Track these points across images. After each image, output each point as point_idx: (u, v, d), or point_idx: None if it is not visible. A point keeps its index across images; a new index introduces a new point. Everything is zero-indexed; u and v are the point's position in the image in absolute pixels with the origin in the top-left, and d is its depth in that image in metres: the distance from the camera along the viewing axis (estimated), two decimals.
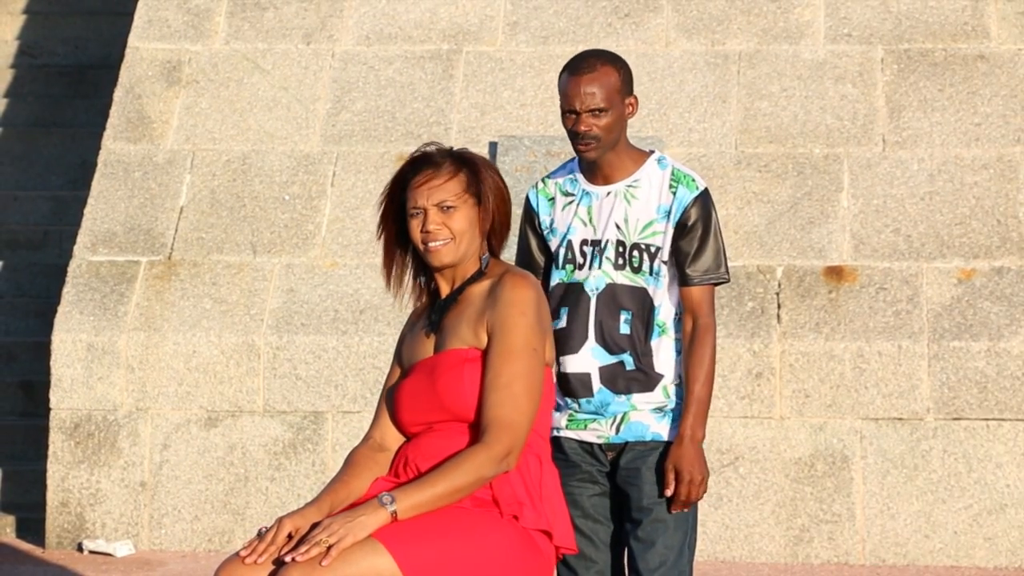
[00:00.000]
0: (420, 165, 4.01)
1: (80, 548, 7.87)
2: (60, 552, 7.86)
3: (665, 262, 4.32)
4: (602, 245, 4.31)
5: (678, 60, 8.55)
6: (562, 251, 4.35)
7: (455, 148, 4.08)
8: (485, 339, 3.92)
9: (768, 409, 7.71)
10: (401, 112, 8.53)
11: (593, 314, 4.28)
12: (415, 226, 3.97)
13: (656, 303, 4.31)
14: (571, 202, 4.37)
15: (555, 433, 4.33)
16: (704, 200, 4.32)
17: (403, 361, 4.06)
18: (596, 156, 4.31)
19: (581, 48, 8.63)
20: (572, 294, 4.31)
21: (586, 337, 4.27)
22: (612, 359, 4.26)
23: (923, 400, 7.66)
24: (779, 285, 7.93)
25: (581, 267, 4.33)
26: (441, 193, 3.95)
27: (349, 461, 4.01)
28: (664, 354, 4.31)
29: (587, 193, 4.37)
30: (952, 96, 8.37)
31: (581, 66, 4.27)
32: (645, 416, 4.29)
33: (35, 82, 10.82)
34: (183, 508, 7.86)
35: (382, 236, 4.04)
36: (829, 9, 8.62)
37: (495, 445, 3.82)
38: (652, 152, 4.40)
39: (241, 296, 8.04)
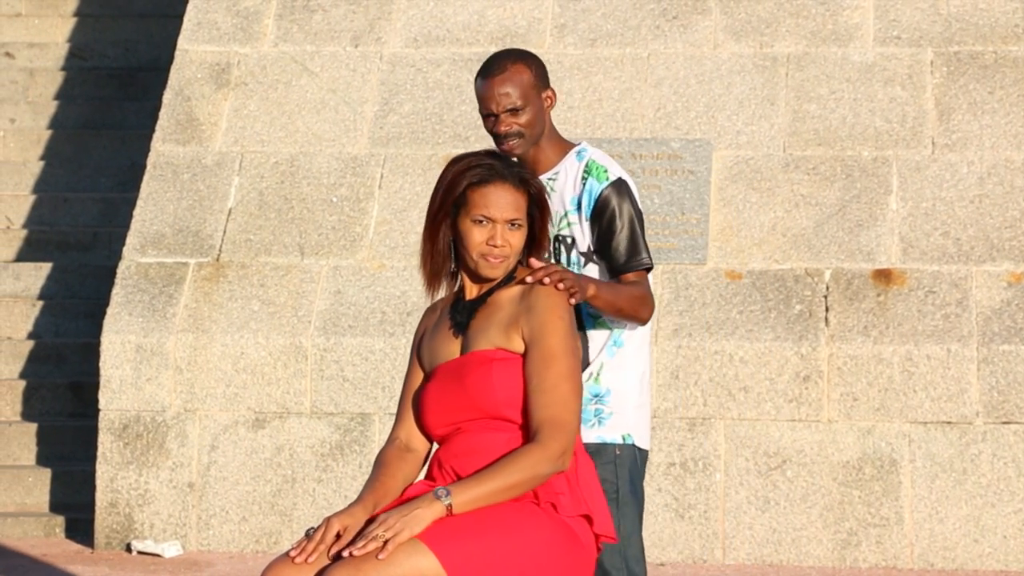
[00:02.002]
0: (489, 176, 4.02)
1: (129, 549, 7.91)
2: (109, 553, 7.90)
3: (584, 254, 4.30)
4: None
5: (726, 63, 8.52)
6: None
7: (510, 160, 4.11)
8: (518, 343, 3.94)
9: (816, 412, 7.69)
10: (449, 114, 8.54)
11: None
12: (480, 234, 3.99)
13: None
14: None
15: None
16: (615, 190, 4.29)
17: (424, 362, 4.08)
18: (521, 152, 4.31)
19: (629, 51, 8.63)
20: None
21: None
22: None
23: (972, 404, 7.62)
24: (827, 288, 7.90)
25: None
26: (513, 211, 3.99)
27: (379, 463, 4.04)
28: (597, 345, 4.29)
29: None
30: (1002, 99, 8.32)
31: (493, 68, 4.28)
32: None
33: (85, 84, 10.89)
34: (231, 509, 7.89)
35: (436, 232, 4.04)
36: (878, 11, 8.58)
37: (550, 444, 3.84)
38: (577, 144, 4.38)
39: (289, 298, 8.07)
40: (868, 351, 7.70)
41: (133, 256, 8.27)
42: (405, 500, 3.95)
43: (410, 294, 7.97)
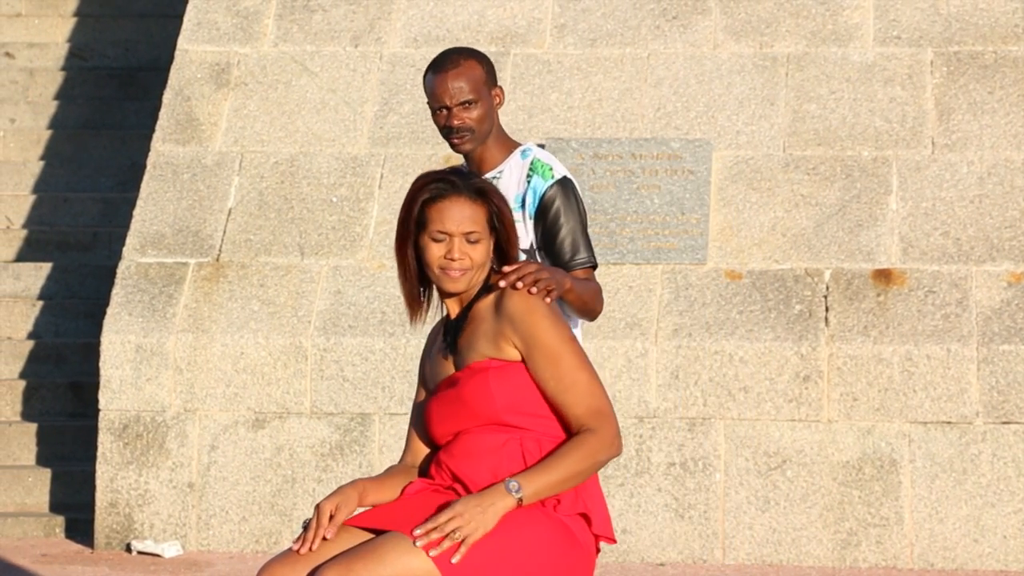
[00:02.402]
0: (446, 189, 4.02)
1: (129, 549, 7.91)
2: (109, 553, 7.90)
3: (527, 251, 4.29)
4: None
5: (726, 62, 8.52)
6: None
7: (469, 173, 4.09)
8: (510, 352, 3.95)
9: (816, 412, 7.69)
10: None
11: None
12: (438, 249, 4.00)
13: None
14: None
15: None
16: (560, 188, 4.30)
17: (428, 383, 4.11)
18: (471, 148, 4.32)
19: (628, 51, 8.62)
20: None
21: None
22: None
23: (972, 404, 7.62)
24: (827, 288, 7.90)
25: None
26: (471, 224, 3.98)
27: (387, 471, 4.08)
28: None
29: None
30: (1002, 99, 8.32)
31: (445, 63, 4.29)
32: None
33: (85, 84, 10.89)
34: (231, 509, 7.89)
35: (404, 254, 4.04)
36: (878, 11, 8.58)
37: (600, 431, 3.88)
38: (523, 144, 4.38)
39: (289, 298, 8.07)
40: (868, 351, 7.70)
41: (133, 256, 8.27)
42: (407, 498, 3.94)
43: None
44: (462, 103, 4.26)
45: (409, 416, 4.19)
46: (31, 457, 8.66)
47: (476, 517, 3.76)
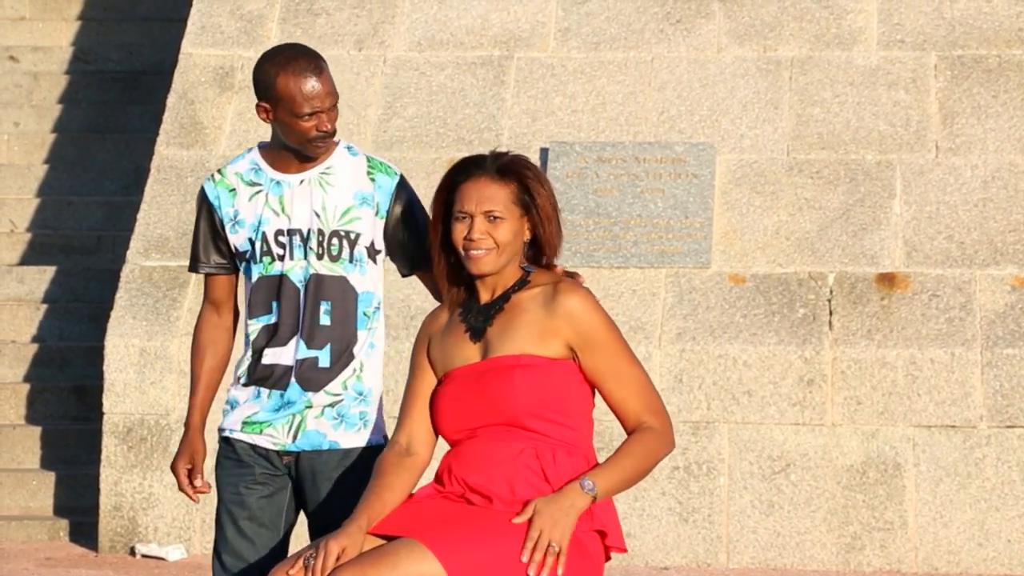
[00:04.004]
0: (471, 169, 3.99)
1: (133, 552, 7.91)
2: (113, 556, 7.90)
3: (369, 248, 4.26)
4: (304, 234, 4.23)
5: (730, 66, 8.53)
6: (257, 244, 4.25)
7: (510, 152, 4.06)
8: (556, 348, 3.91)
9: (820, 416, 7.68)
10: (452, 118, 8.54)
11: (303, 306, 4.21)
12: (459, 230, 3.97)
13: (359, 291, 4.25)
14: (259, 192, 4.27)
15: (228, 434, 4.29)
16: (404, 185, 4.29)
17: (437, 367, 4.02)
18: (326, 148, 4.25)
19: (632, 55, 8.63)
20: (280, 286, 4.23)
21: (296, 329, 4.21)
22: (310, 353, 4.20)
23: (976, 408, 7.62)
24: (831, 292, 7.90)
25: (281, 258, 4.24)
26: (490, 203, 3.94)
27: (377, 471, 3.99)
28: (363, 344, 4.25)
29: (277, 182, 4.27)
30: (1006, 102, 8.32)
31: (316, 65, 4.18)
32: (323, 423, 4.21)
33: (89, 88, 10.90)
34: None
35: (436, 239, 4.03)
36: (882, 15, 8.58)
37: (660, 428, 3.94)
38: (340, 141, 4.32)
39: None
40: (872, 355, 7.70)
41: (137, 259, 8.28)
42: (418, 503, 3.91)
43: (413, 298, 7.97)
44: (332, 107, 4.20)
45: (402, 399, 4.13)
46: (35, 460, 8.67)
47: (560, 521, 3.78)
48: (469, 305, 4.02)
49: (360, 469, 4.23)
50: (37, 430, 8.73)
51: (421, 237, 4.27)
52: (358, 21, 8.85)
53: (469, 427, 3.93)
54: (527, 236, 4.00)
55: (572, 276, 4.08)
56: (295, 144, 4.22)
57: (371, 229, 4.26)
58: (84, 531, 8.17)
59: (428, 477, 4.07)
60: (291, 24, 8.87)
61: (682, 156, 8.24)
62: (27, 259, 9.83)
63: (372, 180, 4.27)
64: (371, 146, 8.51)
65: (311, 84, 4.16)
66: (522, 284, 3.98)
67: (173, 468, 4.31)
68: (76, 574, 7.50)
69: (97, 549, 7.97)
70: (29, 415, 8.91)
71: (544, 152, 8.36)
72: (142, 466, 7.94)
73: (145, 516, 7.92)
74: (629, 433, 3.95)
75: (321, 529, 4.20)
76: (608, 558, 4.00)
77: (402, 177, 4.32)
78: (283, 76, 4.17)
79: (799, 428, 7.69)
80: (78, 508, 8.33)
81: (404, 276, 4.41)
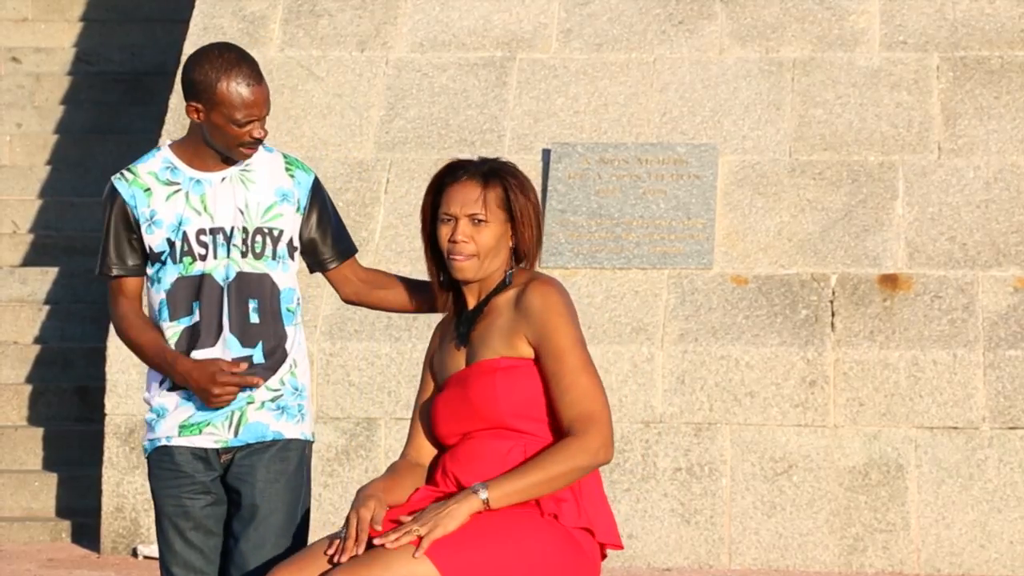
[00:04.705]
0: (458, 172, 4.00)
1: (135, 553, 7.91)
2: (115, 557, 7.91)
3: (288, 245, 4.24)
4: (228, 232, 4.19)
5: (732, 67, 8.52)
6: (177, 244, 4.18)
7: (498, 159, 4.06)
8: (524, 349, 3.91)
9: (822, 417, 7.68)
10: (455, 119, 8.55)
11: (227, 305, 4.17)
12: (444, 232, 3.98)
13: (281, 288, 4.22)
14: (176, 191, 4.21)
15: (164, 442, 4.20)
16: (321, 184, 4.31)
17: (436, 375, 4.06)
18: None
19: (634, 56, 8.63)
20: (200, 286, 4.18)
21: (220, 329, 4.17)
22: (244, 351, 4.16)
23: (979, 409, 7.62)
24: (833, 293, 7.90)
25: (203, 258, 4.18)
26: (474, 205, 3.94)
27: (392, 469, 4.03)
28: (293, 340, 4.23)
29: (197, 180, 4.22)
30: (1008, 104, 8.32)
31: (257, 73, 4.17)
32: (264, 415, 4.19)
33: (91, 89, 10.90)
34: None
35: (427, 243, 4.05)
36: (884, 16, 8.58)
37: (586, 436, 3.83)
38: None
39: None
40: (874, 356, 7.70)
41: None
42: (414, 505, 3.94)
43: None
44: (266, 115, 4.21)
45: (412, 409, 4.14)
46: (37, 462, 8.67)
47: (436, 517, 3.74)
48: (460, 312, 4.05)
49: (296, 462, 4.22)
50: (39, 431, 8.73)
51: (334, 235, 4.29)
52: (360, 22, 8.85)
53: (461, 432, 3.97)
54: (512, 242, 4.00)
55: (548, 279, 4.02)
56: (222, 147, 4.18)
57: (292, 225, 4.25)
58: (86, 532, 8.17)
59: None
60: (293, 25, 8.87)
61: (684, 157, 8.24)
62: (29, 260, 9.84)
63: (292, 176, 4.27)
64: (373, 147, 8.52)
65: (251, 92, 4.14)
66: (502, 287, 3.99)
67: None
68: (78, 575, 7.50)
69: (99, 550, 7.97)
70: (31, 416, 8.92)
71: (546, 153, 8.36)
72: (144, 467, 7.95)
73: (147, 517, 7.92)
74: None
75: (248, 520, 4.15)
76: (604, 555, 3.99)
77: (315, 175, 4.33)
78: (224, 81, 4.14)
79: (801, 429, 7.69)
80: (80, 509, 8.33)
81: (312, 273, 4.39)
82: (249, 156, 4.21)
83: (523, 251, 3.99)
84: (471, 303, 4.02)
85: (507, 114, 8.54)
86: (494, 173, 3.98)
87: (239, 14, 8.94)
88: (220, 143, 4.18)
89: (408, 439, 4.07)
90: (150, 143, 10.11)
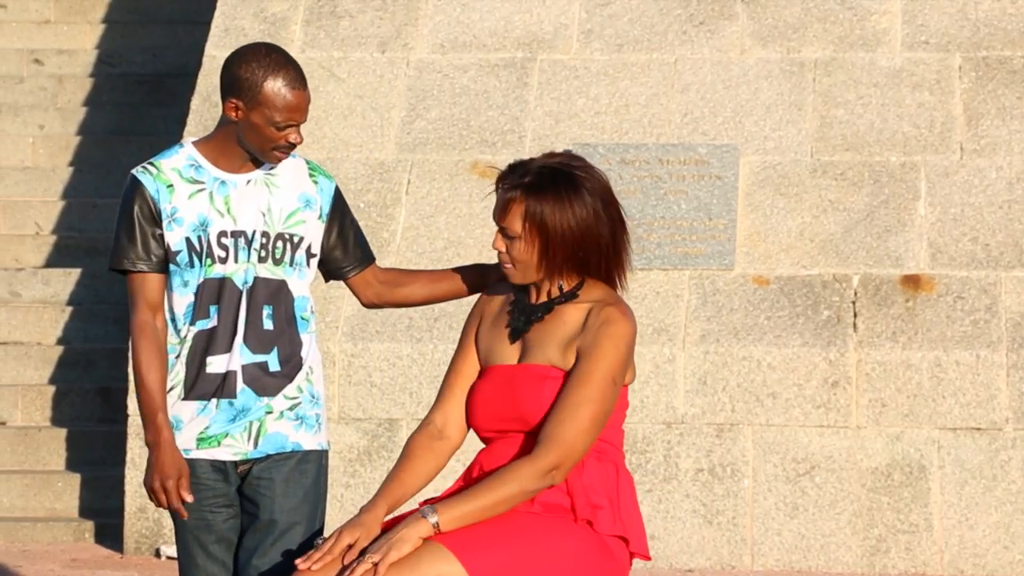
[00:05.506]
0: (506, 178, 3.93)
1: (158, 554, 7.93)
2: (138, 558, 7.92)
3: (307, 252, 4.18)
4: (249, 236, 4.11)
5: (753, 68, 8.52)
6: (195, 245, 4.10)
7: (562, 161, 3.91)
8: (572, 363, 3.87)
9: (844, 418, 7.67)
10: (476, 120, 8.55)
11: (244, 311, 4.10)
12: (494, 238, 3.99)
13: (295, 295, 4.15)
14: (200, 190, 4.12)
15: (183, 454, 4.11)
16: (341, 193, 4.25)
17: (480, 353, 3.99)
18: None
19: (656, 56, 8.62)
20: (220, 290, 4.10)
21: (235, 335, 4.10)
22: (256, 358, 4.10)
23: (1002, 410, 7.60)
24: (855, 294, 7.89)
25: (223, 261, 4.10)
26: (506, 219, 3.90)
27: (406, 453, 3.97)
28: (309, 347, 4.17)
29: (222, 182, 4.13)
30: None
31: (302, 79, 4.09)
32: (283, 425, 4.13)
33: (113, 91, 10.93)
34: None
35: None
36: (906, 16, 8.57)
37: (542, 459, 3.78)
38: None
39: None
40: (897, 357, 7.68)
41: None
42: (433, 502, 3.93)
43: None
44: (303, 121, 4.14)
45: (445, 375, 4.07)
46: (60, 462, 8.70)
47: (386, 544, 3.70)
48: (519, 299, 3.99)
49: (314, 475, 4.17)
50: (62, 432, 8.75)
51: (354, 243, 4.24)
52: (381, 23, 8.86)
53: (498, 428, 3.93)
54: (565, 253, 3.90)
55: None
56: (255, 148, 4.11)
57: (312, 233, 4.19)
58: (109, 532, 8.19)
59: (451, 465, 4.07)
60: (314, 27, 8.88)
61: (705, 158, 8.23)
62: (52, 261, 9.86)
63: (315, 183, 4.21)
64: (394, 148, 8.52)
65: (295, 96, 4.07)
66: (569, 297, 3.93)
67: (161, 485, 4.05)
68: (101, 575, 7.53)
69: (122, 551, 7.99)
70: (54, 417, 8.94)
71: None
72: None
73: (170, 518, 7.94)
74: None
75: (265, 534, 4.11)
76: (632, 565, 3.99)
77: (336, 183, 4.28)
78: (272, 81, 4.06)
79: (823, 430, 7.68)
80: (103, 510, 8.36)
81: (328, 281, 4.34)
82: (280, 160, 4.13)
83: (552, 270, 3.89)
84: (533, 296, 3.97)
85: (528, 115, 8.54)
86: (533, 187, 3.88)
87: (260, 15, 8.96)
88: (254, 144, 4.11)
89: (436, 404, 3.99)
90: (172, 144, 10.12)
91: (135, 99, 10.89)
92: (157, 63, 11.17)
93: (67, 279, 9.60)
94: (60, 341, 9.36)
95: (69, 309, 9.43)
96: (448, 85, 8.65)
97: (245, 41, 8.91)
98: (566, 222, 3.87)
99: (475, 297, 4.21)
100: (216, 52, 8.83)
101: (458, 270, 4.30)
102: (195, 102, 8.73)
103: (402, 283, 4.33)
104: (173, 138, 10.21)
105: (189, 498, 4.08)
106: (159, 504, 4.12)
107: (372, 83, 8.68)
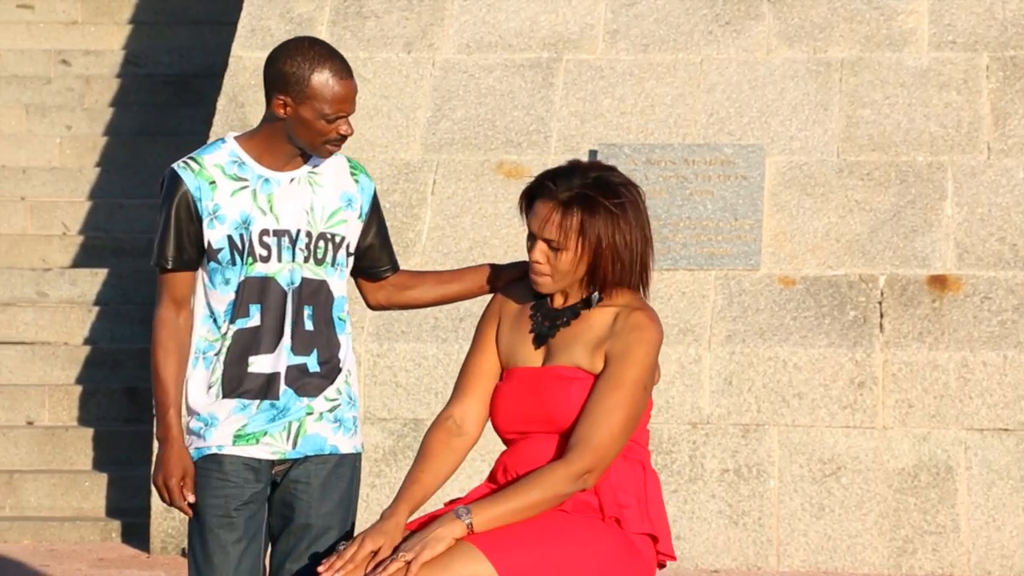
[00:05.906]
0: (546, 187, 3.90)
1: (184, 553, 7.95)
2: (165, 557, 7.94)
3: (347, 252, 4.14)
4: (293, 235, 4.07)
5: (779, 68, 8.50)
6: (237, 243, 4.05)
7: (604, 172, 3.90)
8: (600, 365, 3.88)
9: (871, 419, 7.66)
10: (501, 120, 8.55)
11: (290, 311, 4.06)
12: (528, 246, 3.94)
13: (335, 296, 4.11)
14: (243, 188, 4.07)
15: (215, 451, 4.07)
16: (376, 193, 4.21)
17: (501, 353, 3.99)
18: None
19: (681, 56, 8.61)
20: (263, 290, 4.05)
21: (281, 335, 4.06)
22: (298, 359, 4.06)
23: None
24: (882, 294, 7.87)
25: (265, 260, 4.06)
26: (550, 231, 3.87)
27: (423, 452, 3.96)
28: (346, 349, 4.14)
29: (265, 179, 4.08)
30: None
31: (347, 68, 4.03)
32: (323, 427, 4.10)
33: (140, 91, 10.96)
34: None
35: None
36: (933, 16, 8.54)
37: (576, 463, 3.80)
38: None
39: None
40: (923, 357, 7.66)
41: None
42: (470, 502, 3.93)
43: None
44: (351, 112, 4.08)
45: (461, 371, 4.07)
46: (87, 462, 8.72)
47: (420, 542, 3.71)
48: (541, 303, 3.98)
49: (349, 478, 4.15)
50: (89, 431, 8.78)
51: (386, 247, 4.21)
52: (407, 24, 8.87)
53: (522, 429, 3.94)
54: (599, 261, 3.90)
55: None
56: (306, 144, 4.06)
57: (352, 232, 4.15)
58: (136, 532, 8.21)
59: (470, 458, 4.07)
60: (340, 27, 8.89)
61: (731, 158, 8.22)
62: (79, 262, 9.89)
63: (356, 181, 4.17)
64: (420, 148, 8.53)
65: (343, 87, 4.01)
66: (598, 302, 3.93)
67: (164, 483, 4.07)
68: (128, 575, 7.54)
69: (149, 550, 8.01)
70: (81, 417, 8.97)
71: (593, 154, 8.35)
72: None
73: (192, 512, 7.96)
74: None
75: (300, 537, 4.09)
76: (662, 565, 3.98)
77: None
78: (319, 74, 4.00)
79: (850, 431, 7.66)
80: (130, 509, 8.38)
81: (384, 278, 4.27)
82: (332, 154, 4.08)
83: (597, 281, 3.89)
84: (557, 300, 3.96)
85: (554, 115, 8.54)
86: (581, 198, 3.87)
87: (287, 16, 8.97)
88: (305, 139, 4.05)
89: (453, 398, 3.99)
90: (198, 144, 10.14)
91: (162, 99, 10.92)
92: (184, 63, 11.20)
93: (94, 279, 9.63)
94: (87, 341, 9.39)
95: (96, 309, 9.46)
96: (474, 85, 8.66)
97: (272, 42, 8.93)
98: (620, 238, 3.88)
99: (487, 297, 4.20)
100: (242, 52, 8.85)
101: (468, 270, 4.27)
102: (221, 102, 8.75)
103: (409, 285, 4.30)
104: (200, 138, 10.24)
105: (191, 498, 4.08)
106: (163, 500, 4.13)
107: (398, 83, 8.69)
